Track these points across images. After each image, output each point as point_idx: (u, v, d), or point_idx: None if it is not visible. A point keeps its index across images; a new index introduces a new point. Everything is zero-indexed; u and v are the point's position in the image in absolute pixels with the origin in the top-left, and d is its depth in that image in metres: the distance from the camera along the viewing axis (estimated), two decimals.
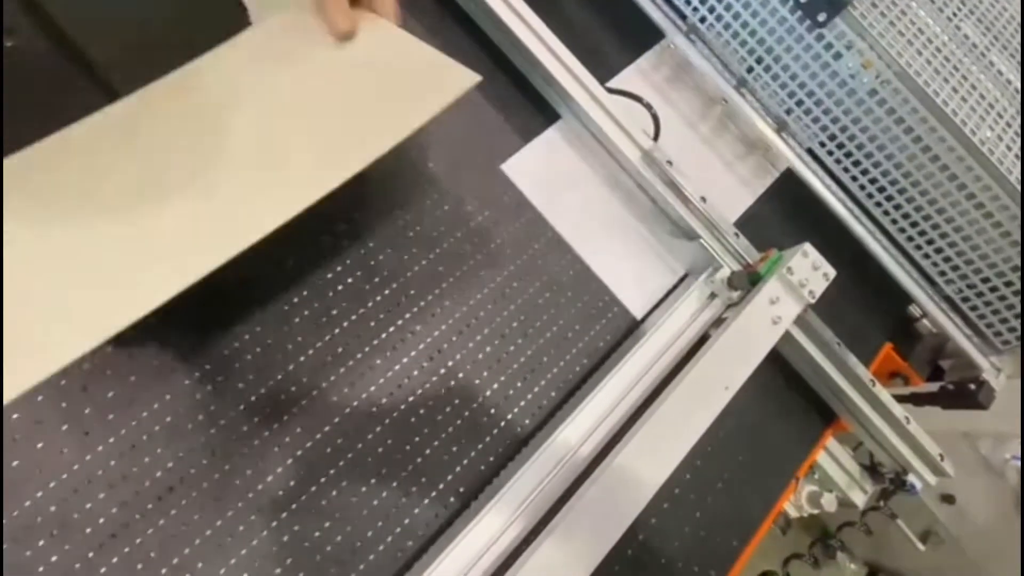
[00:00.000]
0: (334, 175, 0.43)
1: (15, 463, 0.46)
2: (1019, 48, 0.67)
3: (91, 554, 0.46)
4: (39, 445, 0.47)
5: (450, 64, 0.49)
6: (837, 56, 0.62)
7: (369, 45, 0.50)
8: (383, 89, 0.48)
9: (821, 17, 0.60)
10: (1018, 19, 0.69)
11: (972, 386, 0.63)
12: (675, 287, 0.67)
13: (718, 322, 0.62)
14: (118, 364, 0.50)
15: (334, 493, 0.52)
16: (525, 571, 0.42)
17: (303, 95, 0.48)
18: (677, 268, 0.67)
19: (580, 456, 0.54)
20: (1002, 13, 0.68)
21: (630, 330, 0.63)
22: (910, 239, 0.69)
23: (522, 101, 0.68)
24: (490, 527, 0.51)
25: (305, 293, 0.55)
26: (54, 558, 0.46)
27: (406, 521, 0.53)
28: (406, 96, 0.48)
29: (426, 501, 0.54)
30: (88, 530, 0.47)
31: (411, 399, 0.56)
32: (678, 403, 0.50)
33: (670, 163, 0.62)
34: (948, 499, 1.00)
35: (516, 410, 0.58)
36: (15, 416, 0.47)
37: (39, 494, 0.46)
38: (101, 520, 0.47)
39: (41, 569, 0.45)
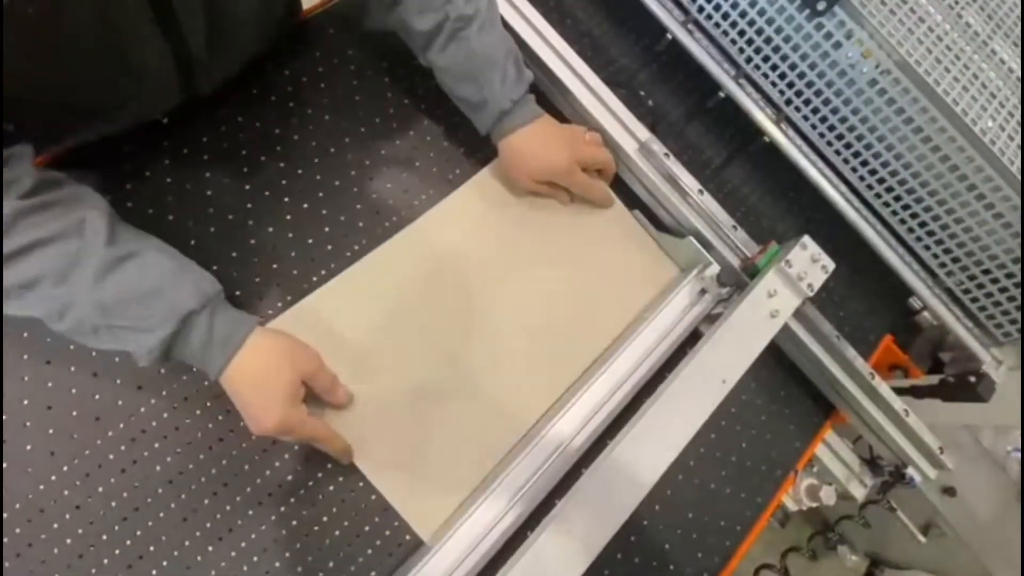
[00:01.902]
0: (571, 370, 0.59)
1: (28, 447, 0.47)
2: (1021, 36, 0.66)
3: (105, 536, 0.47)
4: (50, 431, 0.48)
5: (655, 251, 0.66)
6: (837, 46, 0.61)
7: (596, 220, 0.64)
8: (603, 275, 0.63)
9: (820, 6, 0.60)
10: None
11: (972, 379, 0.63)
12: (668, 284, 0.66)
13: (709, 317, 0.62)
14: (124, 368, 0.50)
15: (331, 488, 0.52)
16: (525, 561, 0.42)
17: (531, 275, 0.61)
18: (670, 266, 0.67)
19: (573, 447, 0.55)
20: (1005, 0, 0.67)
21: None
22: (910, 230, 0.68)
23: None
24: (487, 515, 0.51)
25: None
26: (68, 540, 0.46)
27: (403, 516, 0.53)
28: (621, 283, 0.63)
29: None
30: (102, 512, 0.47)
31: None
32: (676, 396, 0.49)
33: (667, 155, 0.61)
34: (949, 491, 1.00)
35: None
36: (25, 402, 0.48)
37: (53, 478, 0.47)
38: (113, 504, 0.48)
39: (56, 551, 0.46)
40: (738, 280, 0.61)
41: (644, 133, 0.62)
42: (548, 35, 0.62)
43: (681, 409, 0.49)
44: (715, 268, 0.63)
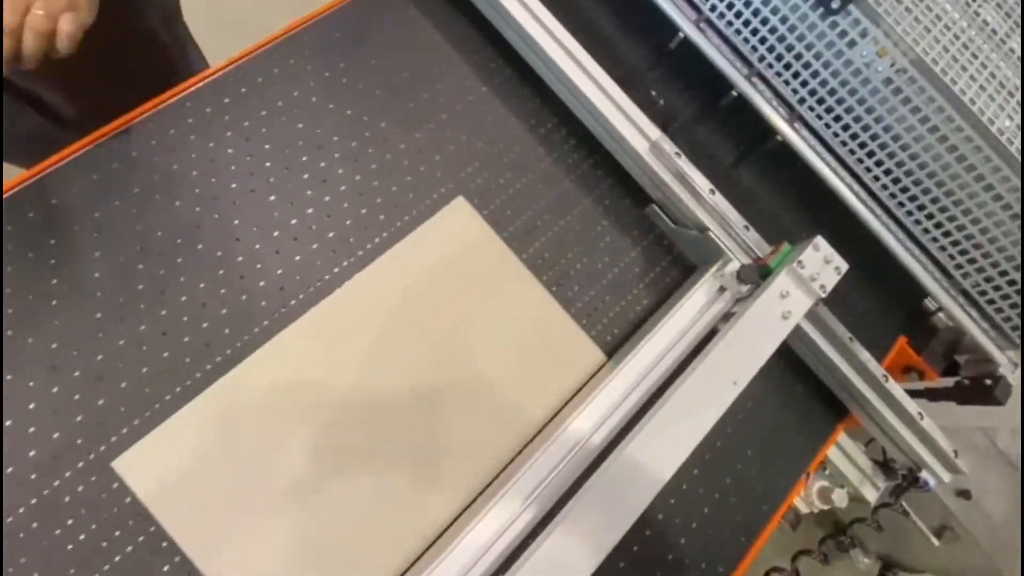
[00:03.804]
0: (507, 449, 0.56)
1: (32, 452, 0.47)
2: None
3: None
4: (55, 435, 0.48)
5: (583, 340, 0.62)
6: (851, 44, 0.61)
7: (523, 310, 0.62)
8: (532, 360, 0.60)
9: (835, 4, 0.59)
10: None
11: (988, 381, 0.62)
12: (684, 280, 0.66)
13: (727, 316, 0.61)
14: (128, 372, 0.51)
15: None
16: (533, 561, 0.42)
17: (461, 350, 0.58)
18: (686, 261, 0.66)
19: (590, 447, 0.54)
20: None
21: None
22: (926, 231, 0.67)
23: (527, 93, 0.67)
24: (501, 516, 0.51)
25: None
26: (70, 546, 0.46)
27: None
28: (549, 370, 0.60)
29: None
30: (105, 516, 0.47)
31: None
32: (686, 398, 0.49)
33: (678, 154, 0.61)
34: (964, 494, 0.99)
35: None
36: (31, 406, 0.48)
37: (56, 483, 0.47)
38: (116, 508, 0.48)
39: (60, 555, 0.46)
40: (757, 276, 0.60)
41: (655, 132, 0.62)
42: (559, 33, 0.62)
43: (692, 411, 0.49)
44: (735, 264, 0.62)
